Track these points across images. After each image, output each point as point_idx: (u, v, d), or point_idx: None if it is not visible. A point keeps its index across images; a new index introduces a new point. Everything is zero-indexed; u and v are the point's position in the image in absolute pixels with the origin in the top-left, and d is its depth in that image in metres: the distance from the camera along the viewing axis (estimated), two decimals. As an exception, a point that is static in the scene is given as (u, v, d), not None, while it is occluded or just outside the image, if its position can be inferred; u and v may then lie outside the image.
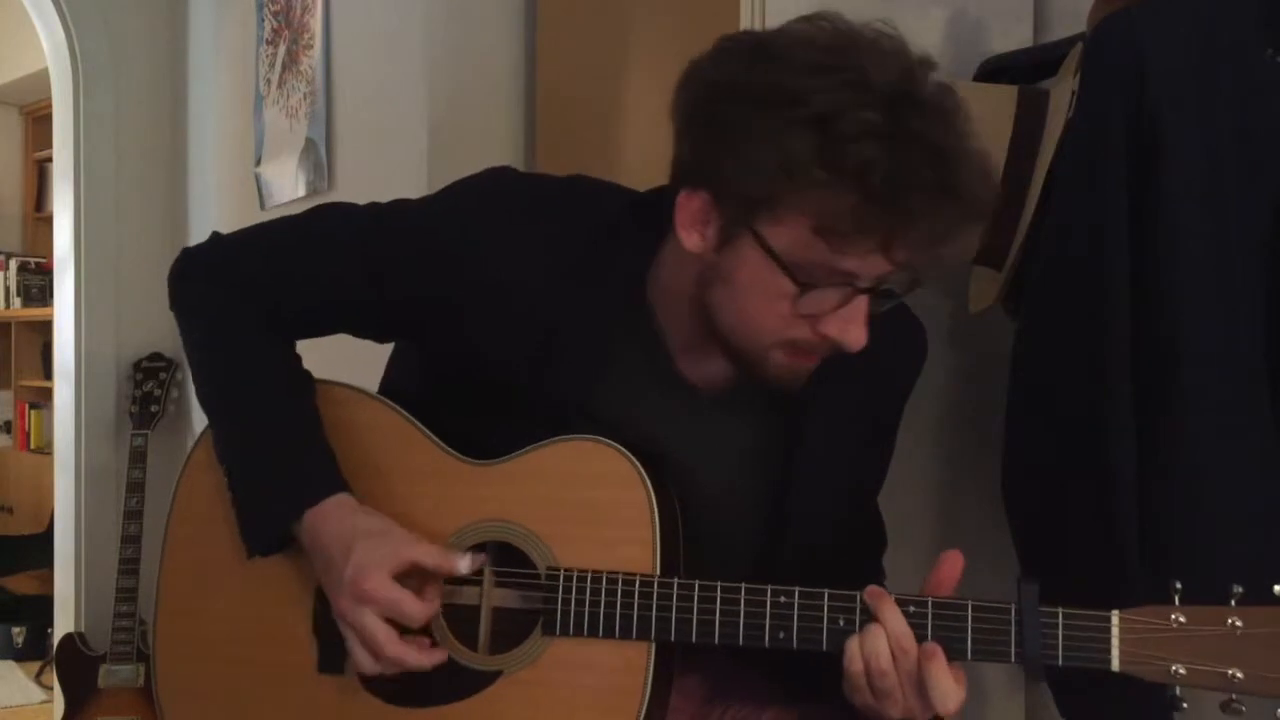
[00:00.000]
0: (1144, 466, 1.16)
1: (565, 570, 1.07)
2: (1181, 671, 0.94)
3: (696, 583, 1.04)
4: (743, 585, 1.03)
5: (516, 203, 1.15)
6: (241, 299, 1.19)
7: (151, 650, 1.24)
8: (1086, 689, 1.24)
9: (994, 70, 1.48)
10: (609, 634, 1.05)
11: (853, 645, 1.00)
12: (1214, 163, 1.14)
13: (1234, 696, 0.94)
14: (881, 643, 0.99)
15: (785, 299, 1.01)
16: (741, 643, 1.03)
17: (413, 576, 1.09)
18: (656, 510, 1.06)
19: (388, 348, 1.31)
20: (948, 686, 0.98)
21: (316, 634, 1.15)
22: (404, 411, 1.18)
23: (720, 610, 1.03)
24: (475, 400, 1.15)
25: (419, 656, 1.08)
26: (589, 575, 1.06)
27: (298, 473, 1.14)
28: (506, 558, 1.12)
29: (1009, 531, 1.35)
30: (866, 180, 0.93)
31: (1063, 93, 1.32)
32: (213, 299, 1.21)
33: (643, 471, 1.07)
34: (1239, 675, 0.93)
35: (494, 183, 1.18)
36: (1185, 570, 0.99)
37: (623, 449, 1.08)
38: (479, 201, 1.15)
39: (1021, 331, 1.33)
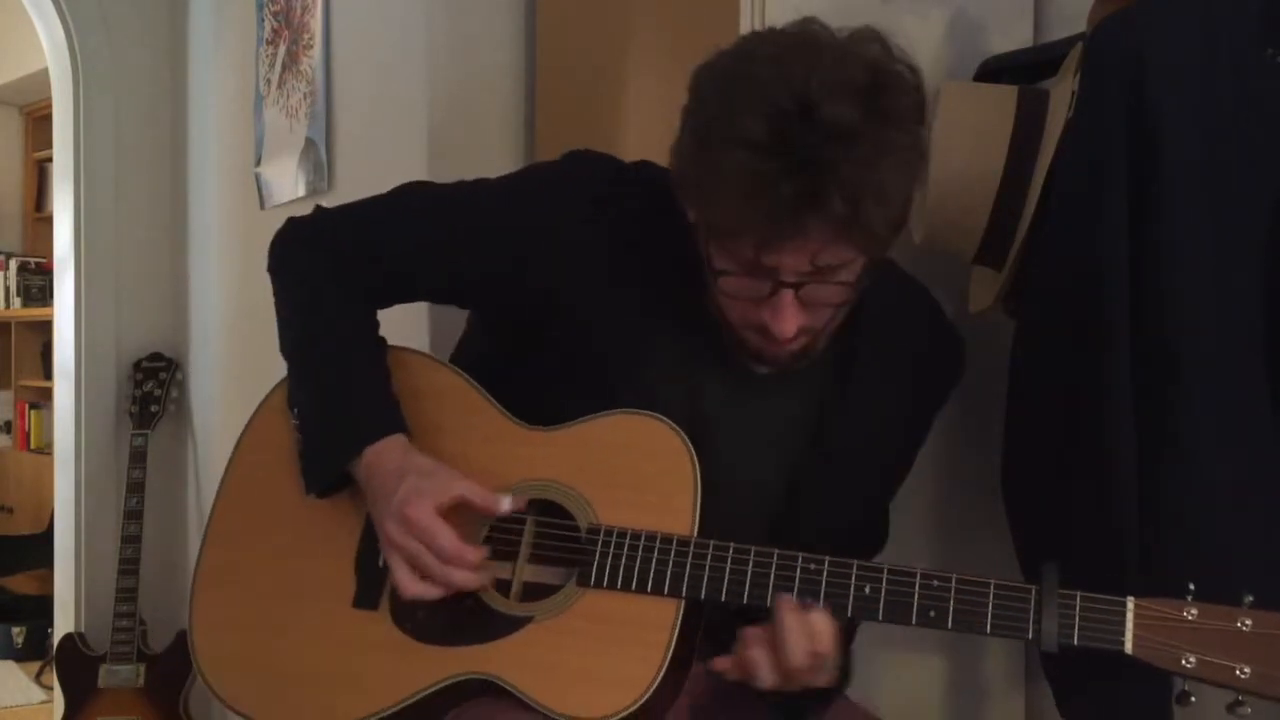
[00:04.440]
0: (1144, 467, 1.16)
1: (606, 527, 1.12)
2: (1191, 662, 0.97)
3: (731, 545, 1.09)
4: (775, 551, 1.08)
5: (586, 179, 1.23)
6: (333, 264, 1.28)
7: (191, 582, 1.28)
8: (1087, 689, 1.24)
9: (994, 70, 1.48)
10: (641, 588, 1.09)
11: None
12: (1214, 162, 1.14)
13: (1239, 697, 0.96)
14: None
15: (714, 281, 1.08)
16: (768, 605, 1.07)
17: (462, 523, 1.14)
18: (699, 483, 1.11)
19: (458, 321, 1.38)
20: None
21: (357, 571, 1.20)
22: (470, 378, 1.24)
23: (751, 573, 1.07)
24: (539, 371, 1.21)
25: (464, 577, 1.12)
26: (628, 532, 1.11)
27: (361, 415, 1.20)
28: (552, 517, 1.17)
29: (1008, 532, 1.35)
30: (727, 185, 0.99)
31: (1063, 93, 1.32)
32: (306, 262, 1.30)
33: (690, 446, 1.12)
34: (1245, 671, 0.96)
35: (567, 162, 1.26)
36: (1185, 571, 1.01)
37: (673, 425, 1.13)
38: (551, 177, 1.25)
39: (1021, 331, 1.33)
